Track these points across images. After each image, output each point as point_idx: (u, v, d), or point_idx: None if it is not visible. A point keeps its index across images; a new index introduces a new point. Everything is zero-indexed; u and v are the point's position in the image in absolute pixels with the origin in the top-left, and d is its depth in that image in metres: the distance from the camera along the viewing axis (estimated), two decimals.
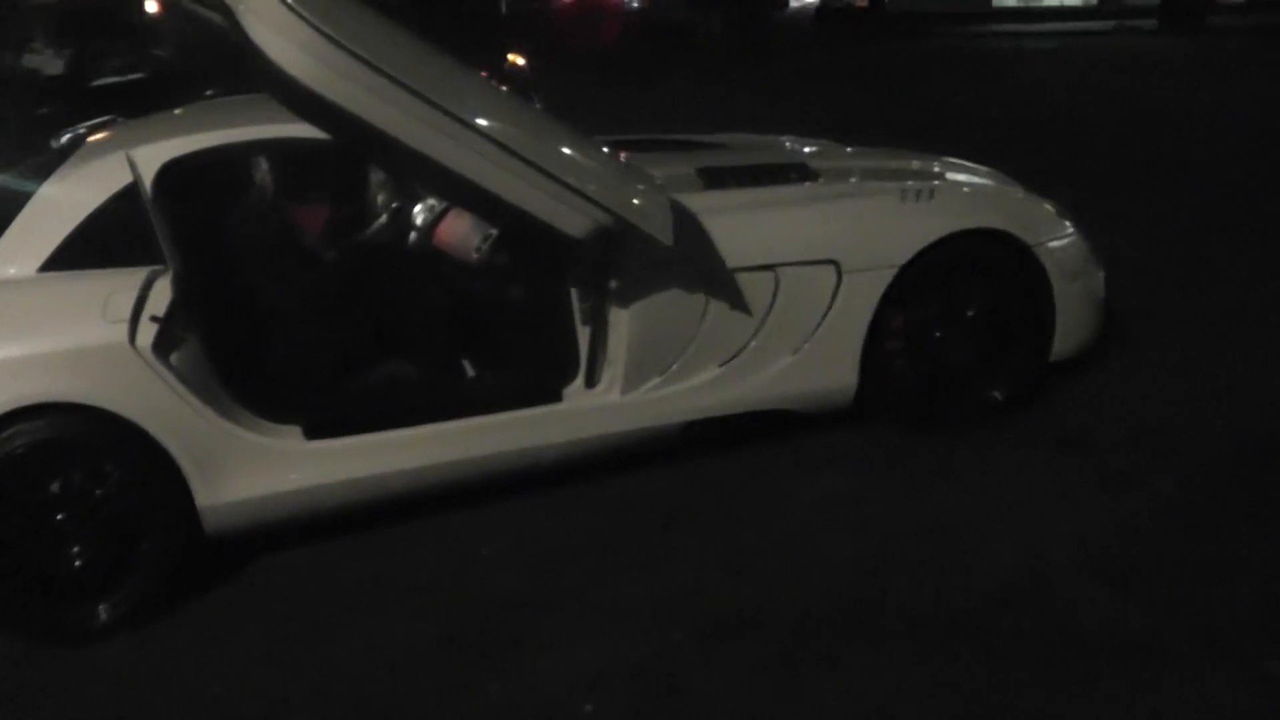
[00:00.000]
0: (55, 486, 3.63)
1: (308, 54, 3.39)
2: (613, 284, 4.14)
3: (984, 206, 4.76)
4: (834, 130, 6.69)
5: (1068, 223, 4.87)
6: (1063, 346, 4.80)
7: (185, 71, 11.33)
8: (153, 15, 14.31)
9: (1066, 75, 18.08)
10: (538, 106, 4.26)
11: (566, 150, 3.87)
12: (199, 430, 3.74)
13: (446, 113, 3.54)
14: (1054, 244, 4.72)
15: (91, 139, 4.32)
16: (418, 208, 4.64)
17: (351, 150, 4.11)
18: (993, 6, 30.43)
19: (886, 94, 16.37)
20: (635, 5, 33.35)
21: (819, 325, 4.45)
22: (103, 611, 3.73)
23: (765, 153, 5.58)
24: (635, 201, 3.87)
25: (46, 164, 4.14)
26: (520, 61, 12.44)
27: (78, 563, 3.67)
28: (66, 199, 3.85)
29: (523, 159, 3.63)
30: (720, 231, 4.29)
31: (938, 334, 4.64)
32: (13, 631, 3.73)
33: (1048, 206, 4.94)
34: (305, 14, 3.36)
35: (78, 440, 3.64)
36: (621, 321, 4.18)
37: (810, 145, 5.88)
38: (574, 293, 4.19)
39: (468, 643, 3.57)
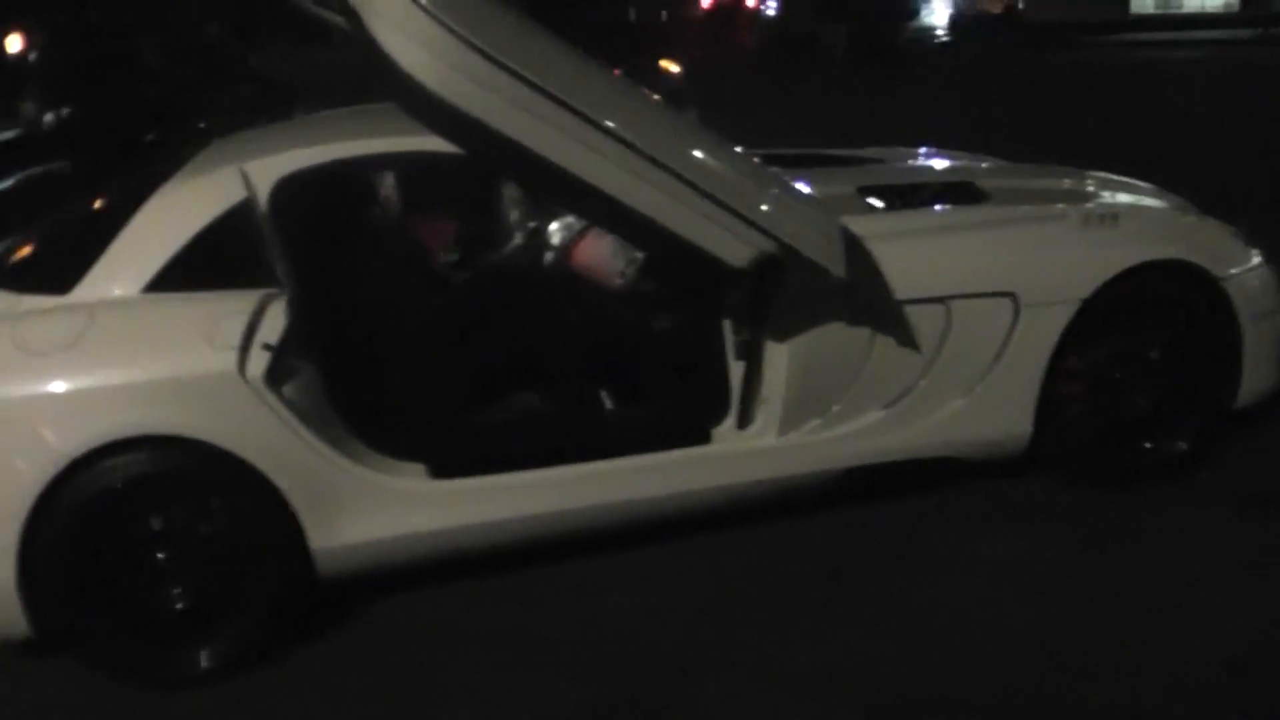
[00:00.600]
0: (156, 523, 3.37)
1: (441, 59, 3.08)
2: (771, 316, 3.76)
3: (1170, 234, 4.31)
4: (970, 145, 6.18)
5: (1255, 253, 4.39)
6: (1249, 393, 4.31)
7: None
8: None
9: (1219, 88, 17.26)
10: (693, 119, 3.86)
11: (728, 170, 3.49)
12: (314, 467, 3.43)
13: (596, 125, 3.20)
14: (1242, 277, 4.24)
15: (201, 152, 4.05)
16: (553, 226, 4.31)
17: (486, 166, 3.77)
18: (1130, 14, 29.42)
19: (1024, 106, 15.75)
20: (771, 13, 32.78)
21: (993, 365, 4.03)
22: (203, 657, 3.46)
23: (925, 170, 5.17)
24: (804, 228, 3.48)
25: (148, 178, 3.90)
26: (674, 69, 11.91)
27: (178, 605, 3.40)
28: (174, 215, 3.58)
29: (681, 179, 3.27)
30: (887, 259, 3.87)
31: (1118, 377, 4.19)
32: (109, 674, 3.46)
33: (1232, 234, 4.45)
34: (439, 14, 3.04)
35: (180, 475, 3.37)
36: (780, 357, 3.80)
37: (969, 161, 5.44)
38: (727, 324, 3.82)
39: (609, 711, 3.21)
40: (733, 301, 3.78)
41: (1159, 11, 29.69)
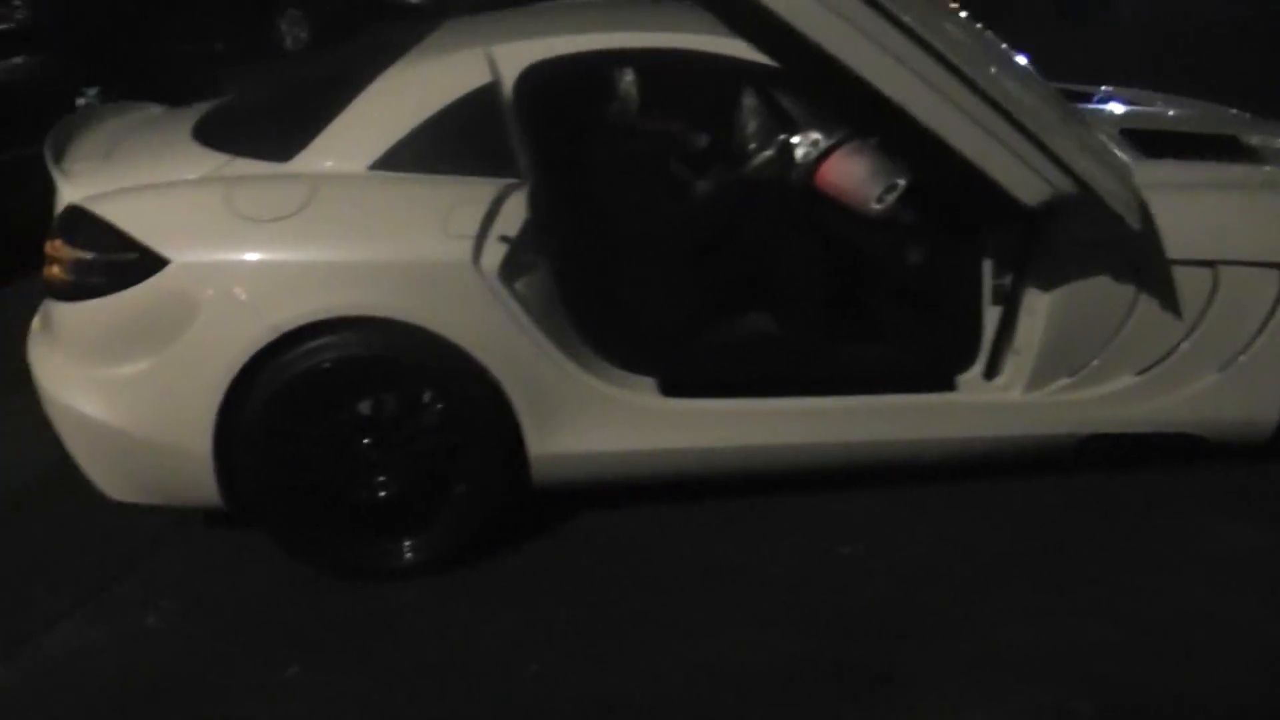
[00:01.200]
0: (364, 408, 3.27)
1: None
2: (1037, 260, 3.49)
3: None
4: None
5: None
6: None
7: None
8: None
9: None
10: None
11: (1038, 101, 3.22)
12: (541, 370, 3.29)
13: (915, 38, 2.95)
14: None
15: (434, 32, 3.87)
16: (797, 139, 4.05)
17: (773, 72, 3.52)
18: None
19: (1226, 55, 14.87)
20: None
21: (1253, 341, 3.70)
22: (403, 551, 3.38)
23: (1185, 117, 4.78)
24: (1103, 171, 3.21)
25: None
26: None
27: (381, 494, 3.32)
28: (411, 92, 3.41)
29: (994, 104, 3.02)
30: (1161, 212, 3.53)
31: None
32: (301, 559, 3.41)
33: None
34: None
35: (396, 362, 3.25)
36: (1040, 307, 3.53)
37: (1226, 114, 5.06)
38: (987, 265, 3.56)
39: (825, 665, 3.05)
40: (998, 242, 3.53)
41: None
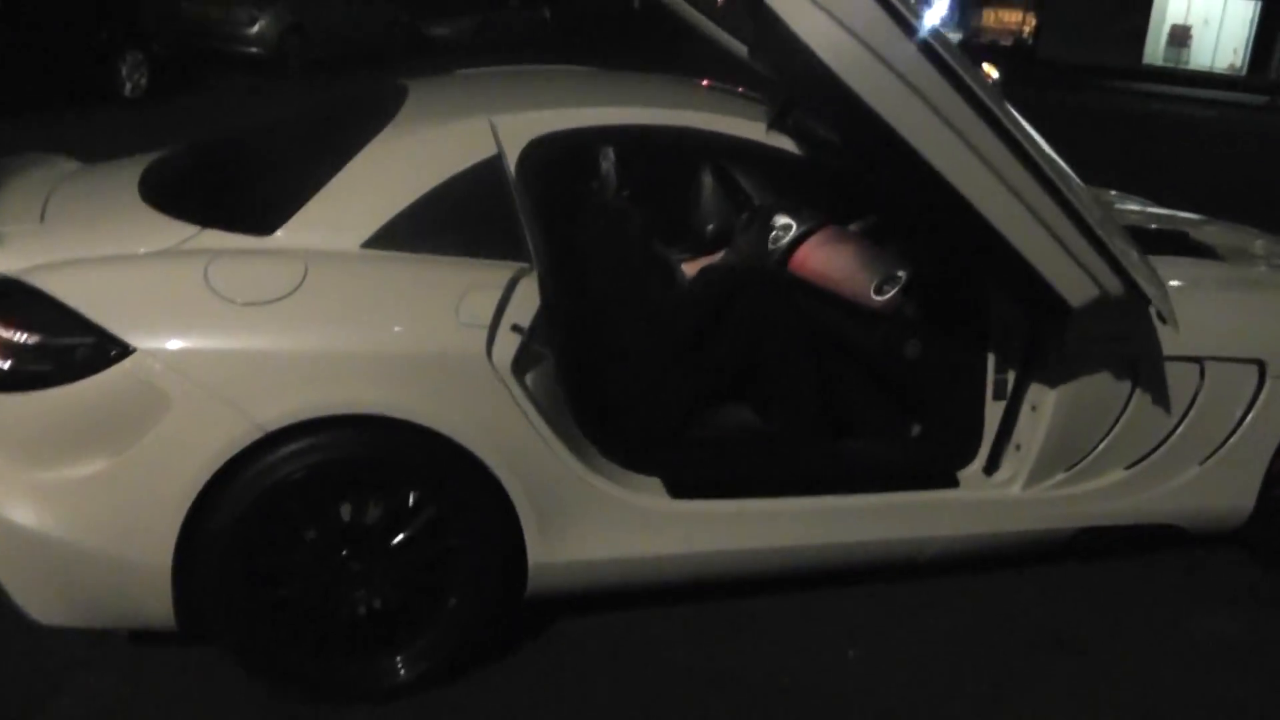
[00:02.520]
0: (346, 513, 2.91)
1: (847, 29, 2.64)
2: (1043, 357, 3.41)
3: None
4: None
5: None
6: None
7: None
8: None
9: (1239, 154, 17.15)
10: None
11: (1093, 202, 3.09)
12: (549, 471, 3.01)
13: (1002, 133, 2.78)
14: None
15: (424, 92, 3.56)
16: (779, 222, 3.89)
17: (773, 153, 3.37)
18: (1142, 63, 29.39)
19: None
20: None
21: (1231, 434, 3.75)
22: (384, 671, 3.03)
23: (1126, 212, 4.84)
24: (1150, 274, 3.12)
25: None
26: (994, 74, 10.71)
27: (361, 609, 2.96)
28: (409, 161, 3.07)
29: (1061, 202, 2.88)
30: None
31: None
32: (268, 680, 3.00)
33: None
34: None
35: (390, 463, 2.90)
36: (1046, 402, 3.45)
37: (1138, 203, 5.17)
38: (990, 360, 3.46)
39: None
40: (1001, 336, 3.43)
41: (1168, 65, 29.74)
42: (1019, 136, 2.78)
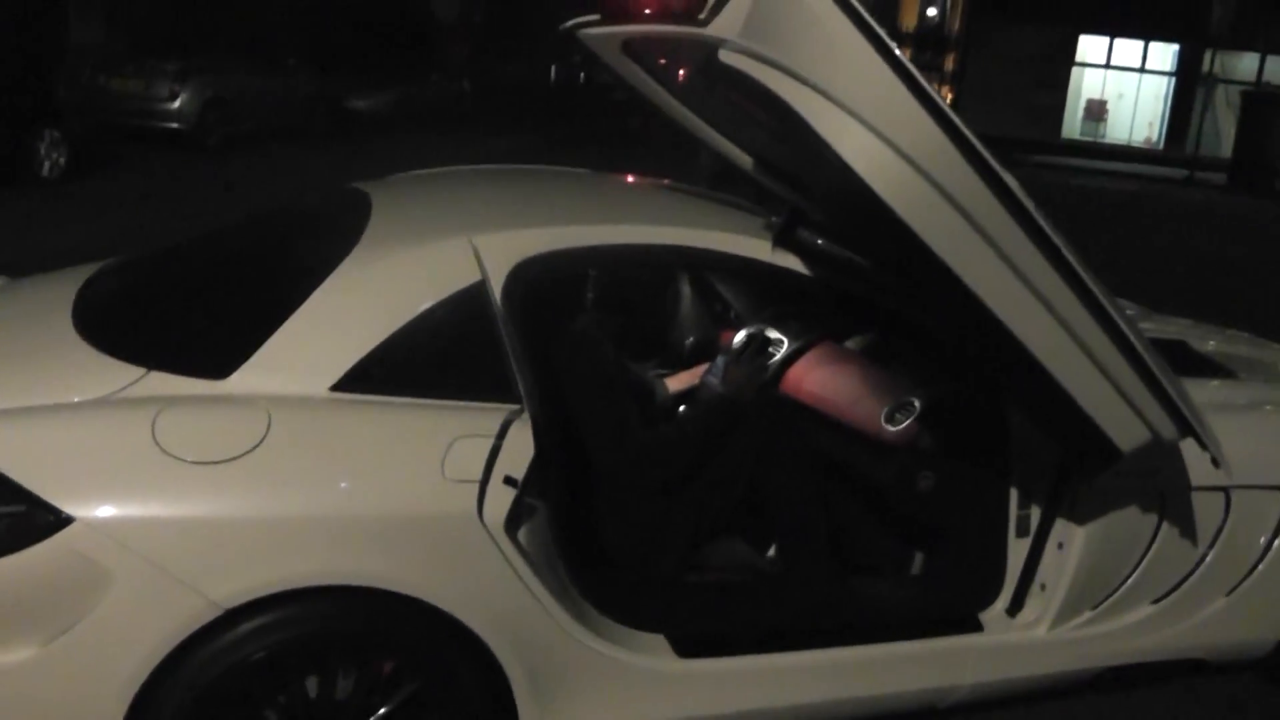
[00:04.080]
0: (312, 689, 2.54)
1: (886, 142, 2.34)
2: (1071, 492, 3.15)
3: None
4: None
5: None
6: None
7: None
8: None
9: (1163, 229, 17.30)
10: None
11: (1143, 339, 2.80)
12: (545, 637, 2.66)
13: (1058, 264, 2.51)
14: None
15: (388, 203, 3.22)
16: (770, 340, 3.61)
17: (774, 272, 3.10)
18: (1061, 138, 29.77)
19: None
20: None
21: (1258, 563, 3.53)
22: None
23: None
24: (1200, 414, 2.87)
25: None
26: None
27: None
28: (381, 289, 2.72)
29: (1121, 343, 2.62)
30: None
31: None
32: None
33: None
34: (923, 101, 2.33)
35: (369, 636, 2.56)
36: (1073, 540, 3.19)
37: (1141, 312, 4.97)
38: (1013, 494, 3.19)
39: None
40: (1024, 470, 3.17)
41: (1086, 139, 30.15)
42: (1075, 264, 2.51)
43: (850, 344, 3.68)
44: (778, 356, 3.59)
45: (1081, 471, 3.08)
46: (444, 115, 21.04)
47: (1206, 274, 12.84)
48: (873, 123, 2.33)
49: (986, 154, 2.39)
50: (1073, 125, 30.76)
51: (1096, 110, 30.84)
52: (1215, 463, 2.90)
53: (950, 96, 31.84)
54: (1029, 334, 2.56)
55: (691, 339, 4.02)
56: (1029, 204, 2.45)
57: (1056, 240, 2.49)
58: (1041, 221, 2.47)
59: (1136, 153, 29.43)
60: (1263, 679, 3.83)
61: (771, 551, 3.52)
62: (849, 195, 2.45)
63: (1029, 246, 2.47)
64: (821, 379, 3.44)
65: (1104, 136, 30.71)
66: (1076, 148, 29.01)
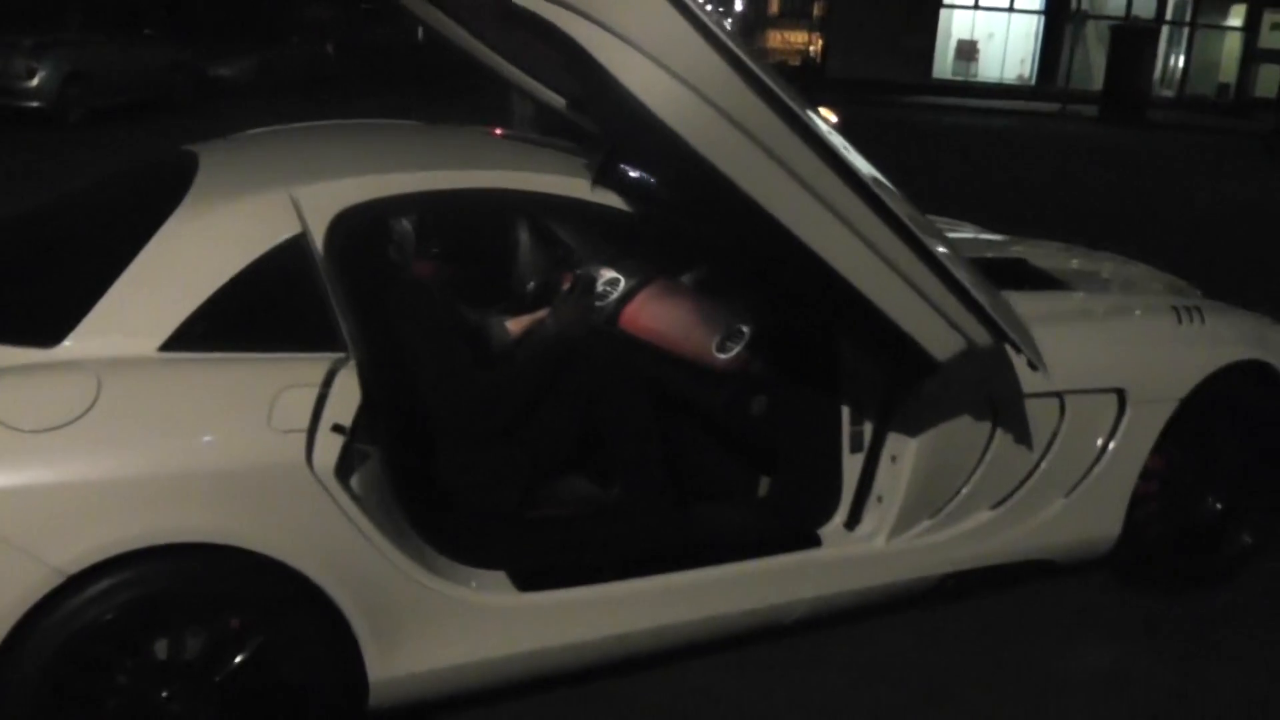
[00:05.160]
0: (162, 651, 2.56)
1: (668, 71, 2.36)
2: (904, 406, 3.25)
3: (1249, 334, 4.04)
4: None
5: None
6: None
7: None
8: None
9: (1039, 160, 17.70)
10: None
11: (953, 251, 2.90)
12: (383, 581, 2.69)
13: (850, 181, 2.57)
14: None
15: (215, 162, 3.20)
16: (603, 277, 3.68)
17: (598, 210, 3.14)
18: (932, 78, 30.21)
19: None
20: None
21: (1095, 464, 3.68)
22: None
23: (965, 242, 4.77)
24: (1015, 319, 2.98)
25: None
26: (832, 117, 10.68)
27: None
28: (203, 247, 2.71)
29: (924, 256, 2.69)
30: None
31: (1192, 477, 3.96)
32: None
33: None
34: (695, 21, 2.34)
35: (211, 593, 2.57)
36: (906, 452, 3.29)
37: (969, 230, 5.14)
38: (845, 411, 3.29)
39: None
40: (855, 387, 3.27)
41: (958, 78, 30.63)
42: (871, 185, 2.58)
43: (685, 279, 3.76)
44: (614, 295, 3.66)
45: (906, 384, 3.18)
46: (309, 79, 20.71)
47: (1083, 199, 13.22)
48: (654, 54, 2.35)
49: (769, 80, 2.42)
50: (944, 66, 31.25)
51: (967, 50, 31.36)
52: (1032, 366, 3.02)
53: (821, 43, 32.19)
54: (832, 253, 2.62)
55: (533, 283, 4.07)
56: (819, 129, 2.51)
57: (850, 162, 2.55)
58: (836, 146, 2.54)
59: (1009, 90, 30.02)
60: (1117, 581, 4.01)
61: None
62: (642, 129, 2.49)
63: (824, 170, 2.52)
64: (655, 313, 3.52)
65: (976, 76, 31.26)
66: (949, 87, 29.48)
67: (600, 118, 3.13)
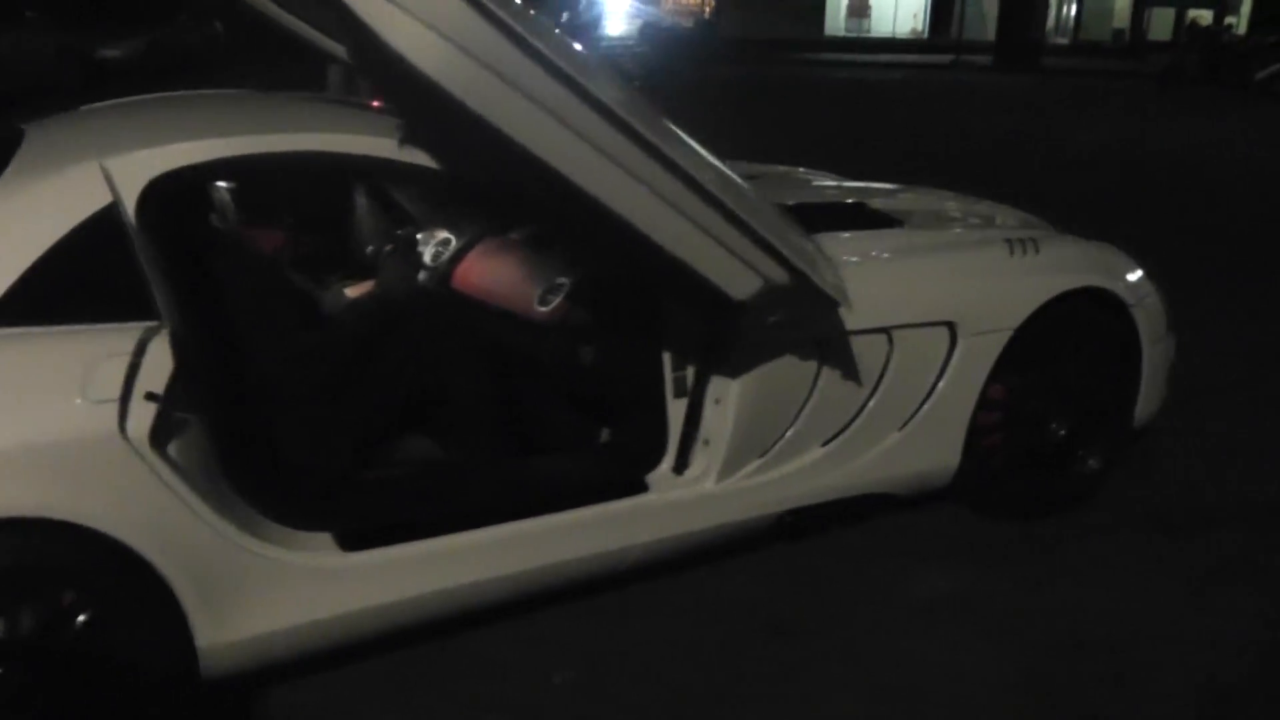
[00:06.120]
0: None
1: (437, 31, 2.37)
2: (723, 349, 3.30)
3: (1087, 262, 4.15)
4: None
5: (1145, 276, 4.29)
6: (1142, 414, 4.30)
7: None
8: None
9: (934, 109, 17.92)
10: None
11: (745, 193, 2.95)
12: (207, 548, 2.70)
13: (626, 131, 2.60)
14: (1145, 303, 4.18)
15: (38, 137, 3.17)
16: (421, 237, 3.69)
17: (415, 170, 3.13)
18: (825, 35, 30.44)
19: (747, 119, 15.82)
20: None
21: (928, 397, 3.76)
22: None
23: (797, 189, 4.83)
24: (814, 258, 3.03)
25: None
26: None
27: None
28: (17, 223, 2.71)
29: (709, 199, 2.73)
30: None
31: (1034, 405, 4.04)
32: None
33: (1130, 259, 4.34)
34: None
35: (26, 569, 2.56)
36: (729, 395, 3.34)
37: (826, 178, 5.20)
38: (666, 358, 3.34)
39: None
40: (675, 334, 3.32)
41: (851, 34, 30.88)
42: (647, 132, 2.61)
43: (515, 235, 3.78)
44: (446, 254, 3.68)
45: (721, 326, 3.23)
46: (199, 59, 20.41)
47: (977, 144, 13.42)
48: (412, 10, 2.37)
49: (525, 32, 2.43)
50: (836, 23, 31.53)
51: (859, 6, 31.67)
52: (835, 302, 3.06)
53: (711, 5, 32.26)
54: (614, 198, 2.66)
55: (371, 247, 4.08)
56: (586, 79, 2.54)
57: (624, 114, 2.58)
58: (609, 97, 2.57)
59: (902, 44, 30.36)
60: (969, 511, 4.12)
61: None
62: (412, 86, 2.50)
63: (595, 118, 2.55)
64: (484, 271, 3.54)
65: (869, 31, 31.55)
66: (841, 44, 29.72)
67: (378, 77, 3.12)
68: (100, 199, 2.75)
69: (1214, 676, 3.23)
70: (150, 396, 2.57)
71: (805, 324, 3.36)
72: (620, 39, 33.40)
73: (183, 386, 2.64)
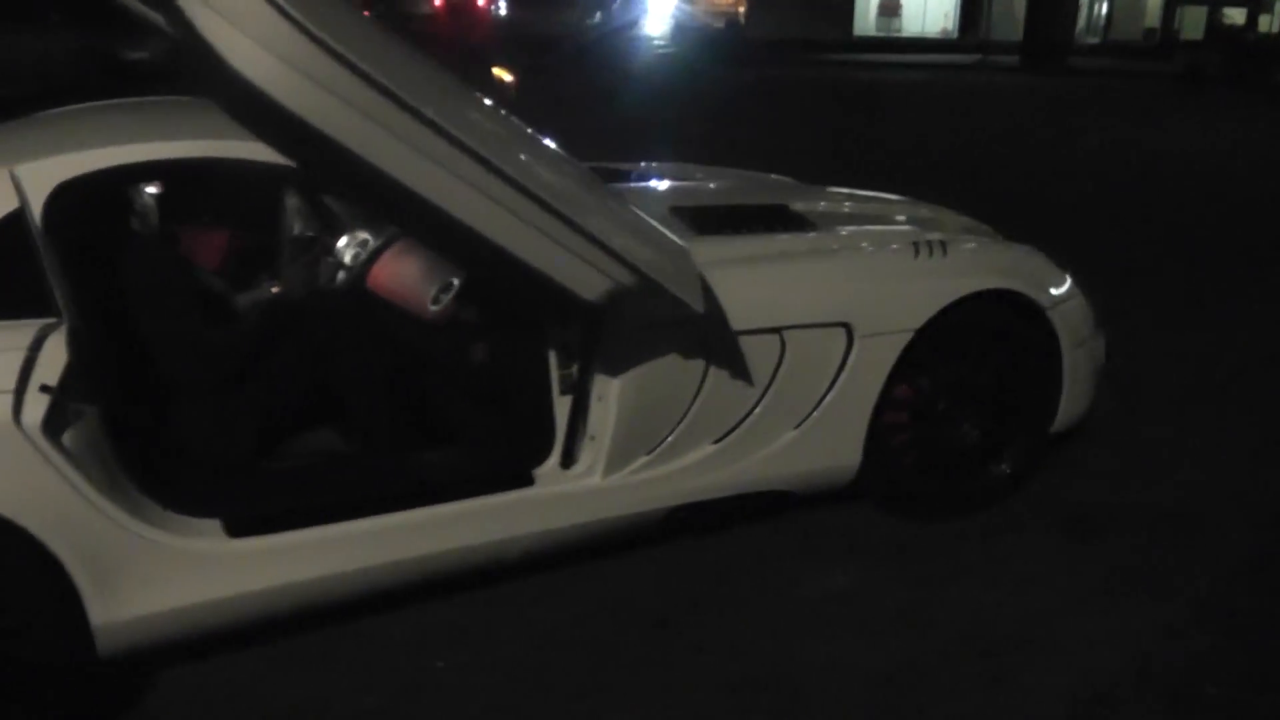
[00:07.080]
0: None
1: (273, 54, 2.52)
2: (602, 347, 3.41)
3: (999, 264, 4.21)
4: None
5: (1069, 280, 4.34)
6: (1064, 418, 4.35)
7: None
8: None
9: (942, 110, 17.90)
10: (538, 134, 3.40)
11: (585, 194, 3.09)
12: (100, 532, 2.86)
13: (447, 138, 2.73)
14: (1064, 305, 4.22)
15: None
16: (343, 242, 3.82)
17: (308, 177, 3.27)
18: (854, 35, 30.42)
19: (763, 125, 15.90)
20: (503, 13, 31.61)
21: (825, 396, 3.83)
22: None
23: (731, 190, 4.92)
24: (662, 259, 3.14)
25: None
26: (508, 78, 10.70)
27: None
28: None
29: (540, 202, 2.86)
30: (722, 288, 3.56)
31: (943, 406, 4.11)
32: None
33: (1051, 263, 4.39)
34: (283, 4, 2.50)
35: None
36: (610, 392, 3.45)
37: (769, 182, 5.28)
38: (552, 356, 3.45)
39: None
40: (559, 331, 3.43)
41: (880, 34, 30.84)
42: (468, 137, 2.74)
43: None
44: (363, 256, 3.81)
45: (577, 325, 3.35)
46: None
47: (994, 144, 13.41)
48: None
49: (332, 41, 2.54)
50: (866, 23, 31.47)
51: (890, 6, 31.63)
52: (683, 305, 3.14)
53: (744, 6, 32.30)
54: (453, 205, 2.81)
55: (287, 250, 4.20)
56: (404, 87, 2.66)
57: (440, 119, 2.70)
58: (430, 105, 2.69)
59: (931, 43, 30.29)
60: (877, 510, 4.17)
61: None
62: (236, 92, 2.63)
63: (423, 130, 2.69)
64: (391, 272, 3.67)
65: (899, 31, 31.49)
66: (871, 43, 29.68)
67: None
68: (7, 204, 2.94)
69: (1091, 682, 3.26)
70: (44, 388, 2.72)
71: (688, 324, 3.43)
72: (658, 39, 33.52)
73: (78, 379, 2.79)
